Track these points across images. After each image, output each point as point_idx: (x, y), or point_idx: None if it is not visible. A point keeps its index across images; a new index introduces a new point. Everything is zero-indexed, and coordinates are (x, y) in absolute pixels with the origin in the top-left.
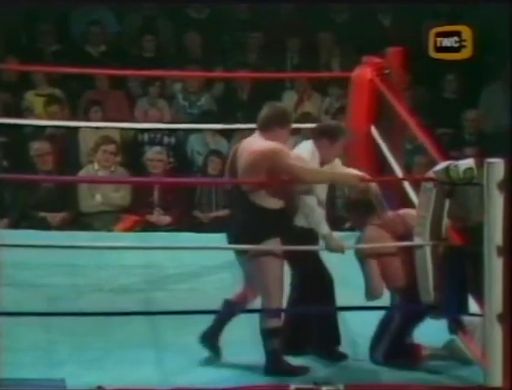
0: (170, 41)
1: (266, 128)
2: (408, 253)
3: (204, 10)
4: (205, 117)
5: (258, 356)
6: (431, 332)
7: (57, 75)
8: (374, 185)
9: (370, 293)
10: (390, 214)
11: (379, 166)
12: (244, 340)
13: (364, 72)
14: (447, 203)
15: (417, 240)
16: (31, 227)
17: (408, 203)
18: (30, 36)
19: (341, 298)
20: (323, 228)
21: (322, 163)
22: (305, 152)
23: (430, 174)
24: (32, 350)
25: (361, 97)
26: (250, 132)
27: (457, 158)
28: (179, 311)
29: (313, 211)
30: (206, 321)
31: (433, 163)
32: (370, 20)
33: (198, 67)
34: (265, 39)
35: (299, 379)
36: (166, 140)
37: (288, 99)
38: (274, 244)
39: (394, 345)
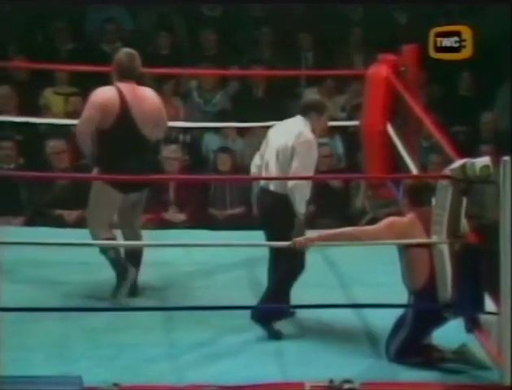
0: (184, 39)
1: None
2: (430, 253)
3: (217, 8)
4: (219, 115)
5: (271, 354)
6: (448, 331)
7: (75, 73)
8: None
9: (410, 284)
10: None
11: (395, 164)
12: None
13: (380, 70)
14: (464, 201)
15: (434, 239)
16: (47, 225)
17: None
18: (46, 34)
19: (356, 295)
20: (302, 208)
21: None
22: (300, 125)
23: (446, 172)
24: (48, 347)
25: (376, 95)
26: (265, 129)
27: (474, 156)
28: (193, 307)
29: (302, 190)
30: (221, 317)
31: (449, 161)
32: (386, 18)
33: (213, 64)
34: (279, 36)
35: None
36: (181, 138)
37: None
38: None
39: (407, 344)
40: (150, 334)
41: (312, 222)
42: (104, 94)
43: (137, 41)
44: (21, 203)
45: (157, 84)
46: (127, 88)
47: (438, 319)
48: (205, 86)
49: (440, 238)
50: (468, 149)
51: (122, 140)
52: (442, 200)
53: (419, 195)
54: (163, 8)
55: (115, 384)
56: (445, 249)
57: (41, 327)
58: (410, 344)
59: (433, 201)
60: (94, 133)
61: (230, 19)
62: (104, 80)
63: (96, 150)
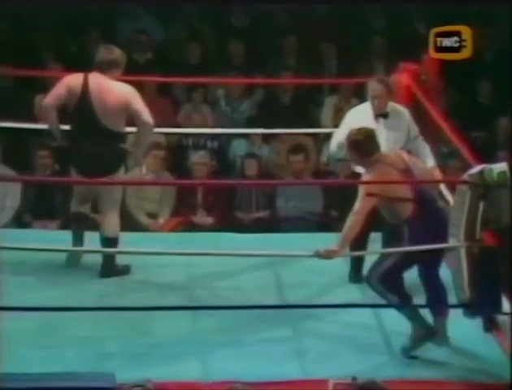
0: (213, 49)
1: None
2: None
3: (245, 19)
4: (246, 122)
5: (295, 352)
6: (465, 331)
7: None
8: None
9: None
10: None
11: None
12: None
13: (401, 78)
14: (481, 205)
15: (452, 241)
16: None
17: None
18: (80, 44)
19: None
20: None
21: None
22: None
23: (465, 177)
24: (83, 345)
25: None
26: (290, 136)
27: (491, 162)
28: (220, 307)
29: None
30: (246, 317)
31: (468, 167)
32: (407, 27)
33: (240, 73)
34: (303, 45)
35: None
36: (209, 144)
37: (329, 104)
38: None
39: (390, 272)
40: (179, 333)
41: (336, 226)
42: (72, 78)
43: (168, 51)
44: (56, 207)
45: (187, 92)
46: (95, 78)
47: (425, 257)
48: (232, 94)
49: (457, 240)
50: (486, 155)
51: (81, 124)
52: (460, 204)
53: (365, 145)
54: (193, 19)
55: (148, 380)
56: (462, 250)
57: (76, 325)
58: (394, 272)
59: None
60: (59, 110)
61: (256, 30)
62: (135, 88)
63: (59, 127)
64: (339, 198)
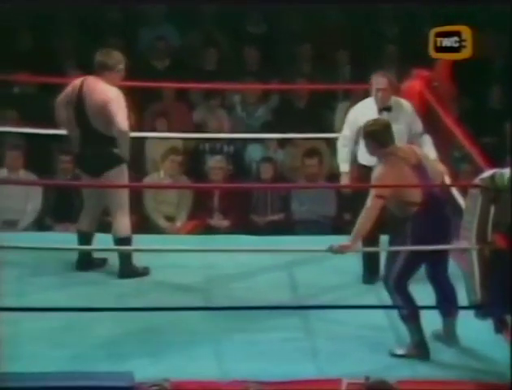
0: (229, 55)
1: None
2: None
3: (261, 26)
4: (262, 127)
5: (309, 352)
6: (476, 332)
7: (126, 88)
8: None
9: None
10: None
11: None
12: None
13: (414, 85)
14: (492, 209)
15: (464, 244)
16: (101, 231)
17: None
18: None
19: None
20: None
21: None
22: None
23: (476, 181)
24: (102, 345)
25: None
26: (305, 140)
27: (502, 167)
28: (236, 307)
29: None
30: (261, 317)
31: (479, 171)
32: (420, 35)
33: (256, 79)
34: (318, 52)
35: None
36: (225, 149)
37: (343, 109)
38: None
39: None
40: (196, 333)
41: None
42: (75, 81)
43: (185, 58)
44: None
45: (204, 98)
46: (89, 80)
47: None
48: (248, 100)
49: (469, 243)
50: (497, 160)
51: (76, 126)
52: (472, 207)
53: (381, 136)
54: (209, 26)
55: (165, 380)
56: (474, 253)
57: (96, 325)
58: (405, 274)
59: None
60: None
61: (272, 37)
62: (154, 94)
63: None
64: (352, 202)
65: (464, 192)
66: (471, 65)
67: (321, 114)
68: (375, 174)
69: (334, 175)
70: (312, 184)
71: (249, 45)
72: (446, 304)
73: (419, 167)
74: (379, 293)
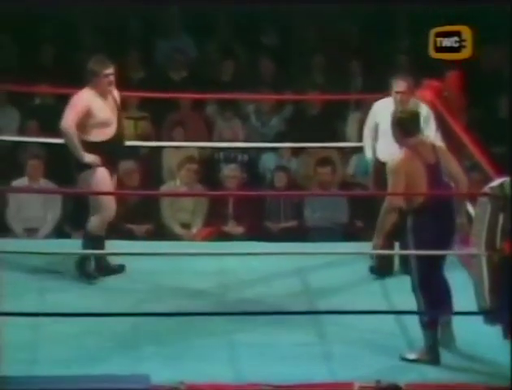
0: (244, 66)
1: None
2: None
3: (275, 38)
4: (276, 136)
5: (321, 355)
6: (486, 337)
7: (144, 99)
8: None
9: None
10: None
11: None
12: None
13: (425, 94)
14: (501, 217)
15: (473, 250)
16: (120, 238)
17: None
18: (120, 64)
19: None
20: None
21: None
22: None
23: (486, 189)
24: (120, 348)
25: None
26: (318, 149)
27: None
28: (250, 312)
29: None
30: (274, 321)
31: (489, 179)
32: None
33: (270, 89)
34: (330, 63)
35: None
36: (240, 157)
37: (354, 119)
38: None
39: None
40: (211, 336)
41: (360, 236)
42: None
43: (201, 69)
44: None
45: (219, 107)
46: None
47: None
48: (262, 110)
49: (479, 250)
50: (506, 169)
51: None
52: (481, 215)
53: (408, 125)
54: (225, 38)
55: (181, 382)
56: (483, 260)
57: (113, 329)
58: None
59: (473, 214)
60: None
61: (286, 49)
62: (171, 105)
63: None
64: (364, 209)
65: (474, 200)
66: (481, 76)
67: (333, 123)
68: (390, 164)
69: (346, 183)
70: (325, 191)
71: (264, 57)
72: (442, 302)
73: (434, 167)
74: (391, 299)
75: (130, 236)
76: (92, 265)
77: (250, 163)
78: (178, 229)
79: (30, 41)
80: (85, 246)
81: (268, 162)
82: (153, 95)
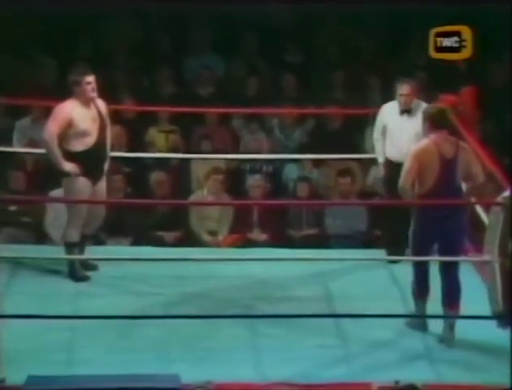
0: (268, 82)
1: None
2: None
3: (298, 55)
4: (298, 148)
5: (341, 357)
6: (501, 340)
7: (175, 113)
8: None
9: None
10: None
11: None
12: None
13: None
14: None
15: (487, 257)
16: (150, 244)
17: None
18: (151, 80)
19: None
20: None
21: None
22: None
23: (499, 199)
24: (152, 349)
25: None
26: (338, 161)
27: None
28: (274, 315)
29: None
30: (297, 324)
31: (501, 189)
32: (447, 64)
33: (293, 104)
34: (350, 78)
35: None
36: (264, 168)
37: (372, 133)
38: None
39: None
40: (237, 338)
41: (379, 243)
42: None
43: (227, 85)
44: (129, 226)
45: (245, 121)
46: None
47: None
48: (286, 123)
49: (492, 256)
50: None
51: None
52: (494, 223)
53: (437, 119)
54: (251, 56)
55: (209, 382)
56: (496, 266)
57: (144, 331)
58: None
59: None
60: None
61: (308, 65)
62: (199, 119)
63: None
64: (382, 218)
65: (487, 209)
66: (493, 91)
67: (353, 136)
68: (413, 148)
69: (365, 193)
70: (345, 201)
71: (287, 73)
72: (449, 295)
73: (451, 163)
74: (407, 302)
75: (160, 242)
76: (80, 268)
77: (274, 174)
78: (205, 236)
79: (64, 56)
80: (67, 253)
81: (291, 172)
82: (182, 110)
